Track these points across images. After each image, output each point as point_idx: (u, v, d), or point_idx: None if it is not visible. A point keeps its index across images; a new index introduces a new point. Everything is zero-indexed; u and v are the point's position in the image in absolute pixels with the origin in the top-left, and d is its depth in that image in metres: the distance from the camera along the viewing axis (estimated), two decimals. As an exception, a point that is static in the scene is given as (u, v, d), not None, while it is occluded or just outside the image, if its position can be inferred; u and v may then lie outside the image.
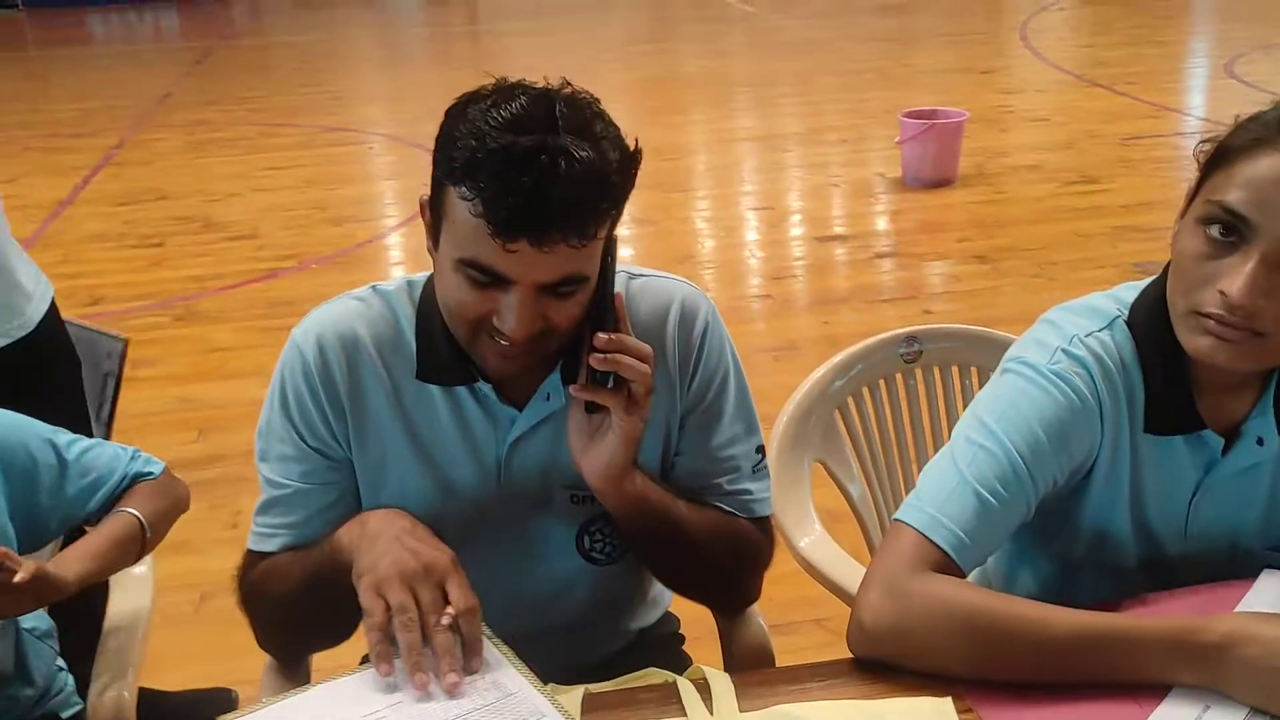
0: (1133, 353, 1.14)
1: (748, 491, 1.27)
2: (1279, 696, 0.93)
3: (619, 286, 1.15)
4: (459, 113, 1.05)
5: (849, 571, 1.47)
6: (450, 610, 1.02)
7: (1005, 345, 1.67)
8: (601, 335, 1.08)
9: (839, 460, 1.67)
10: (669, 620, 1.51)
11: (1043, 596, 1.06)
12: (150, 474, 1.39)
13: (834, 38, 9.51)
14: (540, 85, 1.07)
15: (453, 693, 0.98)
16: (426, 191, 1.12)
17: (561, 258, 1.03)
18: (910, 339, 1.73)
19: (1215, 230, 1.04)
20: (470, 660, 1.02)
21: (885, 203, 5.18)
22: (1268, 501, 1.19)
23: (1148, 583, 1.20)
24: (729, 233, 5.06)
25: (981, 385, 1.64)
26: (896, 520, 1.10)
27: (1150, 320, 1.14)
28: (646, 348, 1.11)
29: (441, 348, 1.17)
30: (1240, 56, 7.83)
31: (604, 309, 1.11)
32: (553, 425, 1.20)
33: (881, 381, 1.71)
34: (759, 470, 1.28)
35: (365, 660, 1.14)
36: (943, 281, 4.23)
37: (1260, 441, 1.15)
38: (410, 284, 1.24)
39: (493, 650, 1.05)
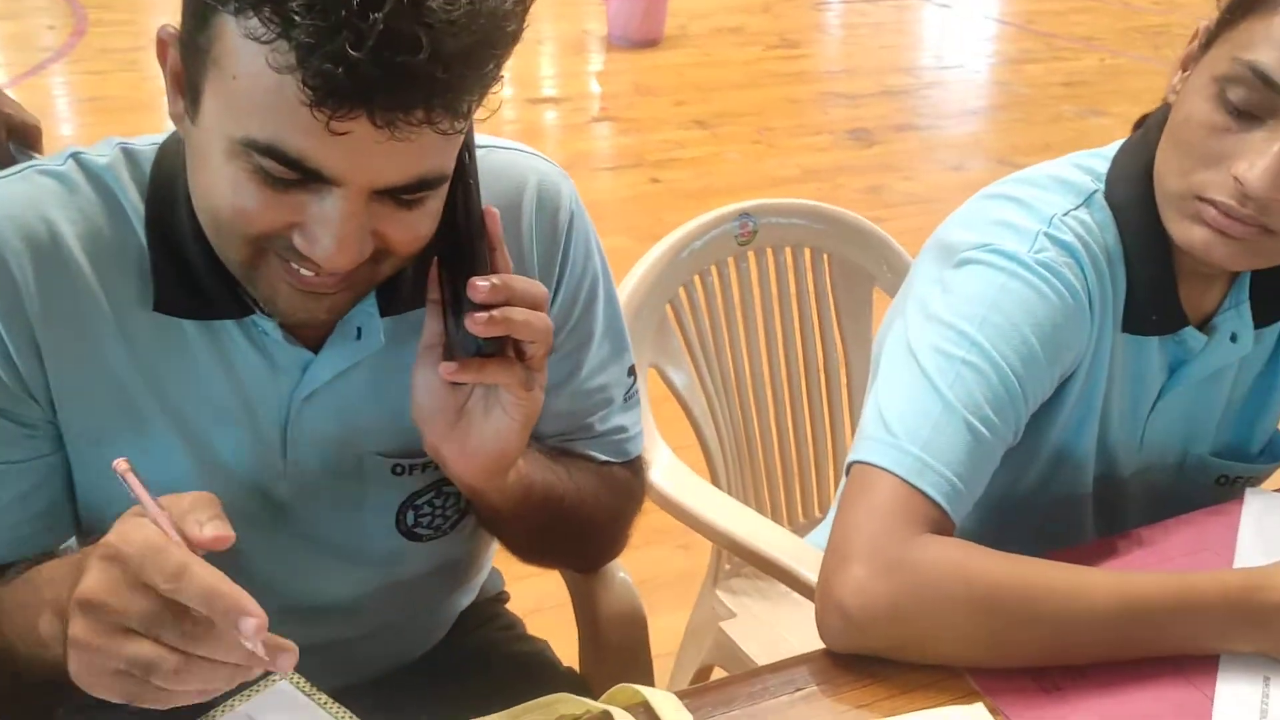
0: (1116, 237, 0.93)
1: (621, 429, 0.96)
2: (1356, 661, 0.77)
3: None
4: None
5: (710, 500, 1.22)
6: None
7: (850, 223, 1.51)
8: (479, 283, 0.71)
9: (671, 360, 1.39)
10: (493, 579, 1.19)
11: (982, 535, 0.84)
12: None
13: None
14: None
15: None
16: (172, 22, 0.69)
17: (419, 147, 0.66)
18: (744, 216, 1.46)
19: (1238, 96, 0.83)
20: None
21: (595, 63, 4.88)
22: (1225, 406, 1.03)
23: (1097, 507, 1.03)
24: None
25: (819, 270, 1.48)
26: (864, 464, 0.84)
27: (1133, 198, 0.92)
28: (540, 289, 0.75)
29: (196, 263, 0.77)
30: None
31: (468, 233, 0.74)
32: (364, 371, 0.83)
33: (713, 267, 1.44)
34: (631, 398, 0.97)
35: None
36: (665, 147, 4.02)
37: (1233, 338, 0.98)
38: (130, 154, 0.80)
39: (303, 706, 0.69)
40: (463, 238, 0.74)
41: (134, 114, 3.90)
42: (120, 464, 0.64)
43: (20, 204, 0.76)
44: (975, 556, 0.79)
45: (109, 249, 0.78)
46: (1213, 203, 0.85)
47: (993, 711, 0.75)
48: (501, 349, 0.74)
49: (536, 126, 4.21)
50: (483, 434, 0.77)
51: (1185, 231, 0.88)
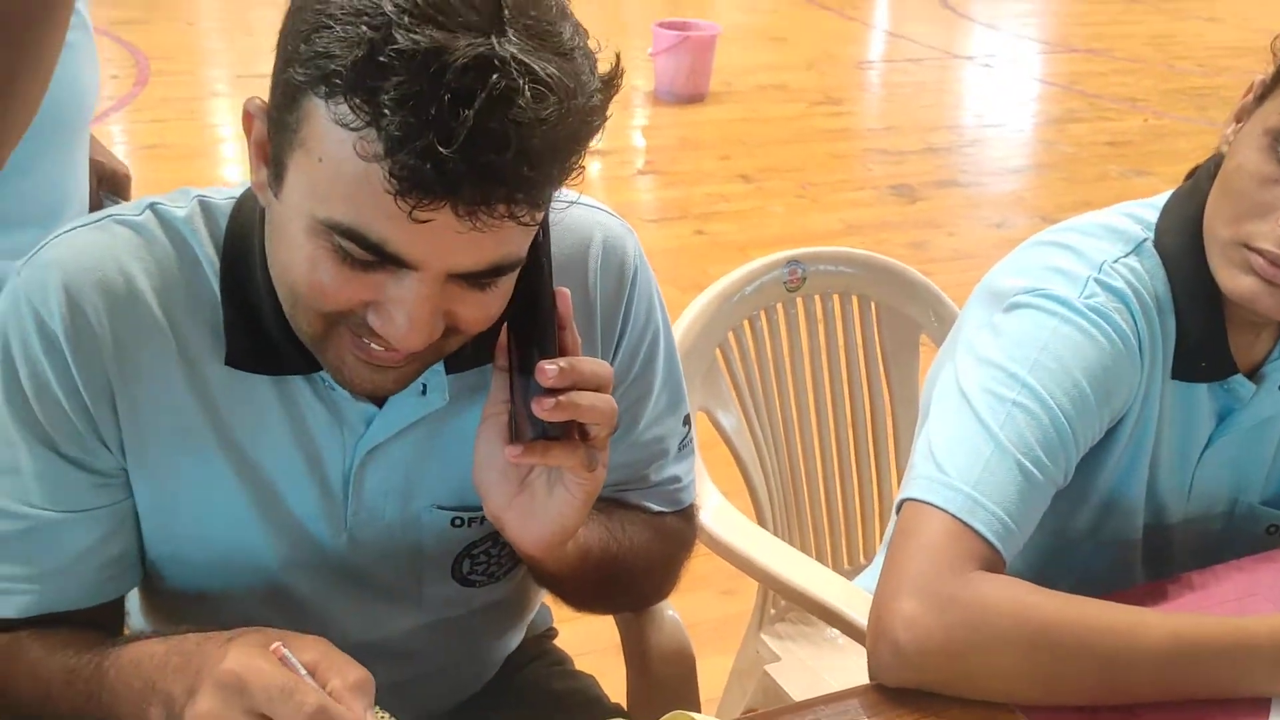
0: (1165, 284, 0.95)
1: (675, 479, 0.97)
2: None
3: None
4: None
5: (759, 543, 1.23)
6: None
7: (896, 272, 1.53)
8: (548, 366, 0.72)
9: (720, 404, 1.41)
10: (542, 615, 1.20)
11: (1029, 578, 0.85)
12: None
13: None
14: None
15: None
16: (259, 96, 0.72)
17: (497, 237, 0.66)
18: (793, 262, 1.49)
19: None
20: None
21: (641, 117, 4.95)
22: (1275, 454, 1.04)
23: (1146, 554, 1.04)
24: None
25: (867, 318, 1.51)
26: (917, 501, 0.85)
27: (1183, 246, 0.94)
28: (605, 368, 0.76)
29: (268, 320, 0.78)
30: (951, -11, 8.17)
31: (538, 310, 0.75)
32: (427, 427, 0.85)
33: (762, 313, 1.46)
34: (685, 447, 0.98)
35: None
36: (710, 200, 4.06)
37: (1282, 387, 0.99)
38: (206, 207, 0.81)
39: None
40: (533, 314, 0.75)
41: (193, 160, 4.02)
42: (278, 649, 0.67)
43: (98, 254, 0.78)
44: (1028, 594, 0.80)
45: (183, 301, 0.79)
46: (1261, 252, 0.87)
47: (1043, 748, 0.76)
48: (567, 431, 0.74)
49: (586, 177, 4.28)
50: (546, 509, 0.78)
51: (1233, 280, 0.89)
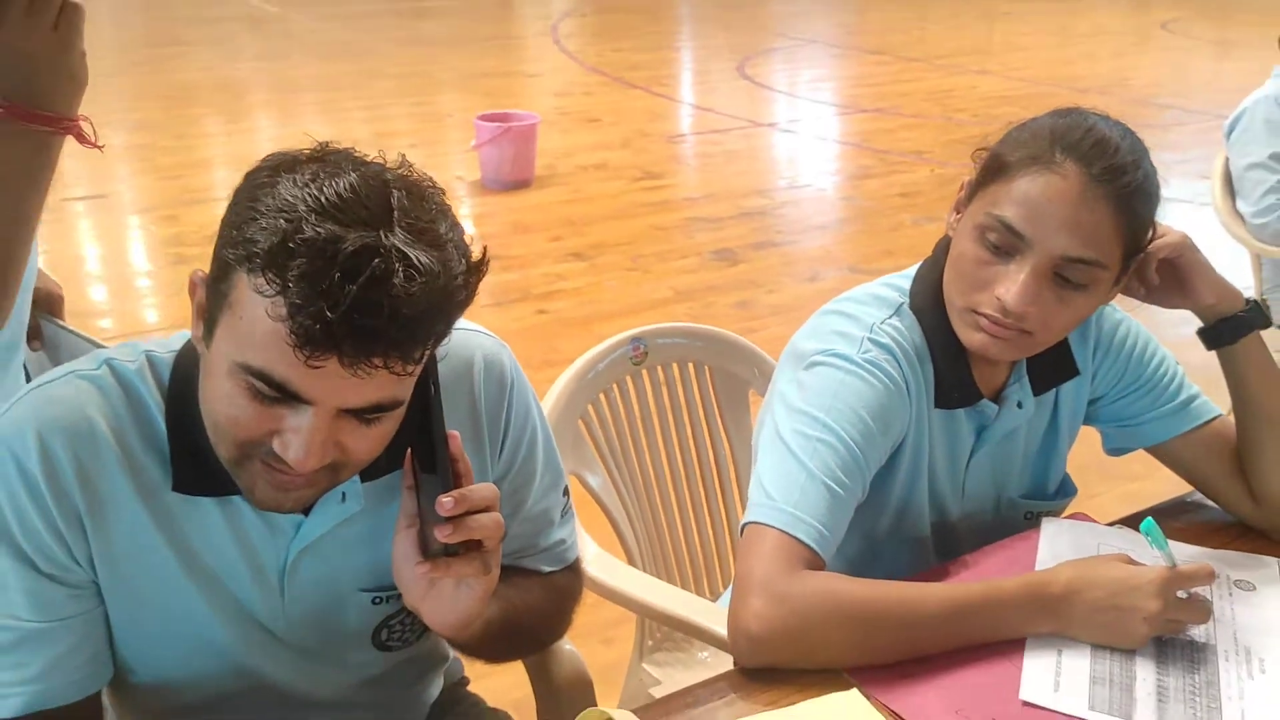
0: (921, 336, 1.23)
1: (561, 541, 1.19)
2: (1118, 632, 1.05)
3: None
4: (266, 181, 0.85)
5: (634, 581, 1.46)
6: None
7: (725, 341, 1.80)
8: (445, 500, 0.90)
9: (587, 467, 1.65)
10: (454, 667, 1.40)
11: (852, 571, 1.11)
12: None
13: (373, 40, 9.33)
14: (373, 160, 0.88)
15: None
16: (202, 269, 0.91)
17: (378, 382, 0.85)
18: (635, 340, 1.74)
19: (993, 238, 1.14)
20: None
21: (471, 206, 5.18)
22: (1023, 456, 1.34)
23: (936, 547, 1.31)
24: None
25: (703, 380, 1.76)
26: (754, 524, 1.10)
27: (930, 307, 1.23)
28: (491, 491, 0.94)
29: (208, 450, 0.95)
30: (748, 60, 8.74)
31: (433, 446, 0.92)
32: (349, 527, 1.03)
33: (615, 385, 1.71)
34: (566, 514, 1.21)
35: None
36: (548, 280, 4.31)
37: (1019, 405, 1.29)
38: (152, 361, 0.99)
39: None
40: (429, 448, 0.93)
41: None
42: None
43: (64, 405, 0.95)
44: (841, 583, 1.06)
45: (137, 440, 0.97)
46: (985, 315, 1.16)
47: (866, 695, 1.01)
48: (466, 546, 0.93)
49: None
50: (455, 602, 0.97)
51: (968, 336, 1.18)
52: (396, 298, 0.81)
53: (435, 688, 1.31)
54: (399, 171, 0.88)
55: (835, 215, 5.32)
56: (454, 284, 0.85)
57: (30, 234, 1.11)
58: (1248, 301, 1.23)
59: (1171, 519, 1.31)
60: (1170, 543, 1.08)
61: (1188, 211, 4.66)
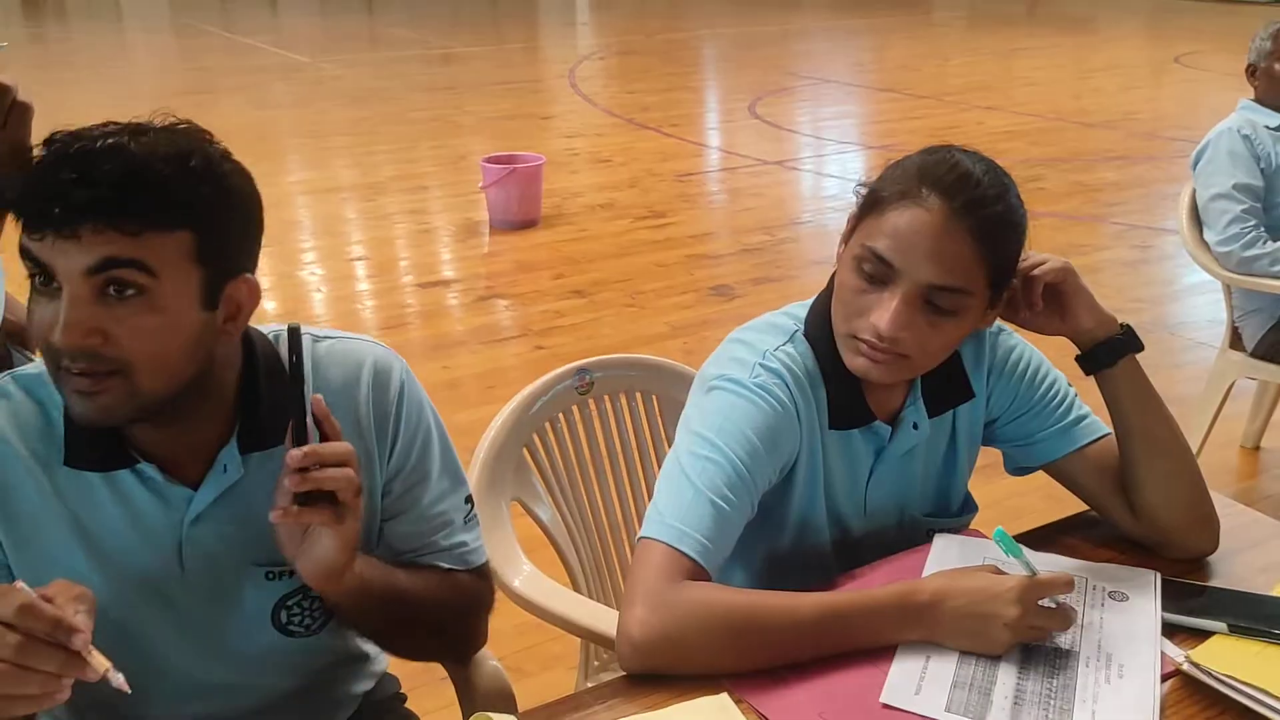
0: (813, 361, 1.30)
1: (463, 544, 1.27)
2: (981, 639, 1.10)
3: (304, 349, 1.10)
4: None
5: (565, 601, 1.53)
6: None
7: (669, 370, 1.87)
8: (294, 453, 1.02)
9: (532, 495, 1.72)
10: (389, 681, 1.47)
11: (757, 588, 1.18)
12: None
13: (395, 87, 9.55)
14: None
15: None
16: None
17: (98, 241, 0.96)
18: (581, 371, 1.82)
19: (867, 269, 1.21)
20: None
21: (479, 246, 5.31)
22: (923, 476, 1.40)
23: (839, 562, 1.37)
24: (338, 284, 4.92)
25: (650, 409, 1.84)
26: (644, 538, 1.17)
27: (822, 334, 1.30)
28: (345, 448, 1.06)
29: (89, 429, 1.07)
30: (759, 100, 8.87)
31: (299, 414, 1.05)
32: (236, 498, 1.13)
33: (561, 415, 1.78)
34: (470, 520, 1.28)
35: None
36: (547, 317, 4.41)
37: (915, 426, 1.35)
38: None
39: None
40: (299, 419, 1.06)
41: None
42: (18, 583, 0.91)
43: None
44: (719, 593, 1.12)
45: (38, 432, 1.10)
46: (864, 340, 1.23)
47: (736, 701, 1.07)
48: (315, 498, 1.04)
49: (433, 307, 4.58)
50: (315, 553, 1.07)
51: (851, 360, 1.26)
52: (87, 163, 0.96)
53: (357, 688, 1.38)
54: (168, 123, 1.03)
55: (834, 251, 5.37)
56: (153, 157, 0.98)
57: None
58: (1123, 326, 1.29)
59: (1068, 534, 1.36)
60: (1033, 552, 1.14)
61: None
